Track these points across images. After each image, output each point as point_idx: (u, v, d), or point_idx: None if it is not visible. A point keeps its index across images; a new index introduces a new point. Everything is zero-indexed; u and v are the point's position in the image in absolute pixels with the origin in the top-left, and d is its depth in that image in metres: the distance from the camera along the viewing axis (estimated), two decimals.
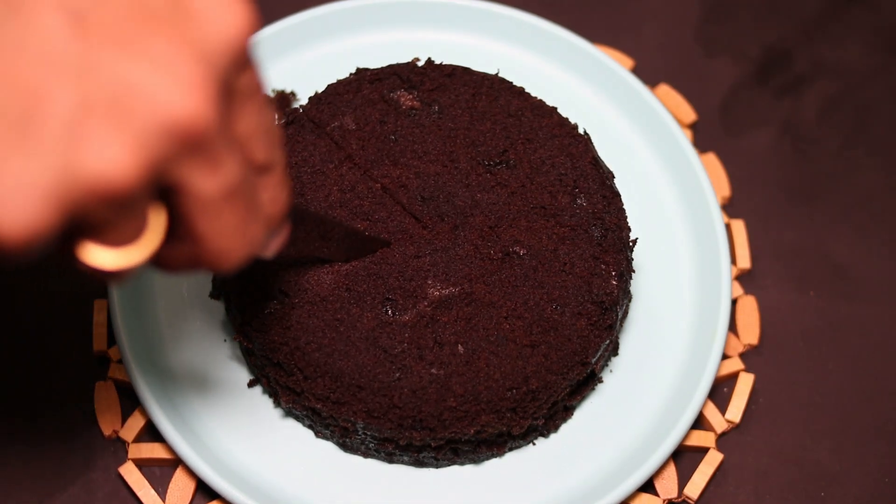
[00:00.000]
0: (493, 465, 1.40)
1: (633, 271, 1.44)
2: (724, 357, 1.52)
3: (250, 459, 1.38)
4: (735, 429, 1.48)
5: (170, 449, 1.39)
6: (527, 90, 1.51)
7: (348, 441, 1.37)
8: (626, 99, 1.64)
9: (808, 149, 1.72)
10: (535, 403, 1.32)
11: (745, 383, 1.50)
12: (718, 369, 1.48)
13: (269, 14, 1.72)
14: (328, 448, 1.40)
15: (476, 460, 1.39)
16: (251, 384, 1.43)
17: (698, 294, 1.50)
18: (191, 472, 1.39)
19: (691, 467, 1.44)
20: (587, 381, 1.41)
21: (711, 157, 1.68)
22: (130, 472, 1.40)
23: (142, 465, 1.41)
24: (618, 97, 1.65)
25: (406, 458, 1.37)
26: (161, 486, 1.40)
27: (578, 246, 1.38)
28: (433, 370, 1.30)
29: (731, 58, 1.81)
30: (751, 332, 1.54)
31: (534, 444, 1.41)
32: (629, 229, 1.42)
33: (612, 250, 1.38)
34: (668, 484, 1.42)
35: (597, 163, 1.44)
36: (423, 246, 1.37)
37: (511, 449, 1.40)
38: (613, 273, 1.37)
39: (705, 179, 1.55)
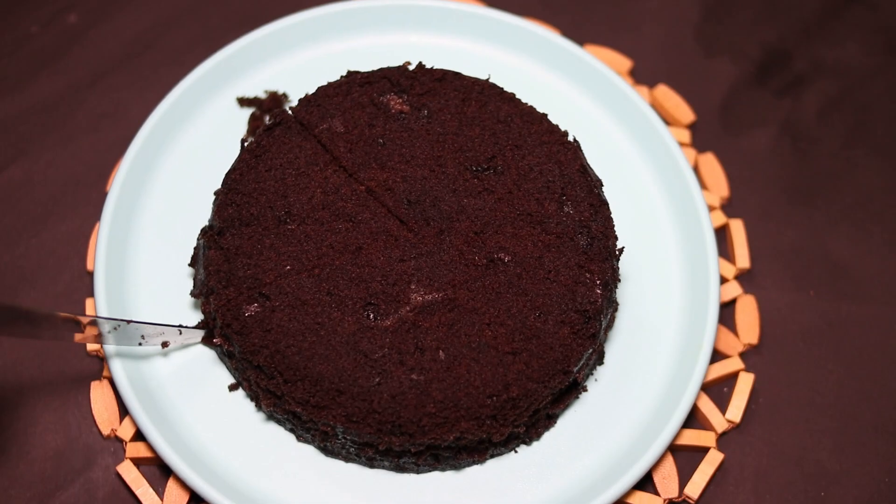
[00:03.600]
0: (473, 471, 1.36)
1: (619, 280, 1.40)
2: (724, 357, 1.49)
3: (232, 463, 1.35)
4: (735, 428, 1.45)
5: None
6: (518, 96, 1.47)
7: (329, 445, 1.33)
8: (618, 106, 1.60)
9: (808, 149, 1.68)
10: (515, 411, 1.29)
11: (745, 383, 1.47)
12: (718, 369, 1.46)
13: (262, 16, 1.71)
14: (310, 452, 1.36)
15: (457, 466, 1.35)
16: (232, 388, 1.40)
17: (686, 304, 1.47)
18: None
19: (692, 467, 1.41)
20: (570, 390, 1.37)
21: (710, 158, 1.64)
22: (128, 471, 1.37)
23: (140, 463, 1.38)
24: (611, 104, 1.61)
25: (386, 464, 1.34)
26: (160, 486, 1.37)
27: (564, 254, 1.34)
28: (413, 376, 1.27)
29: (731, 58, 1.76)
30: (751, 331, 1.50)
31: (516, 451, 1.37)
32: (616, 238, 1.38)
33: (598, 259, 1.34)
34: (668, 483, 1.39)
35: (585, 171, 1.40)
36: (407, 250, 1.34)
37: (492, 456, 1.36)
38: (598, 282, 1.33)
39: (696, 189, 1.51)
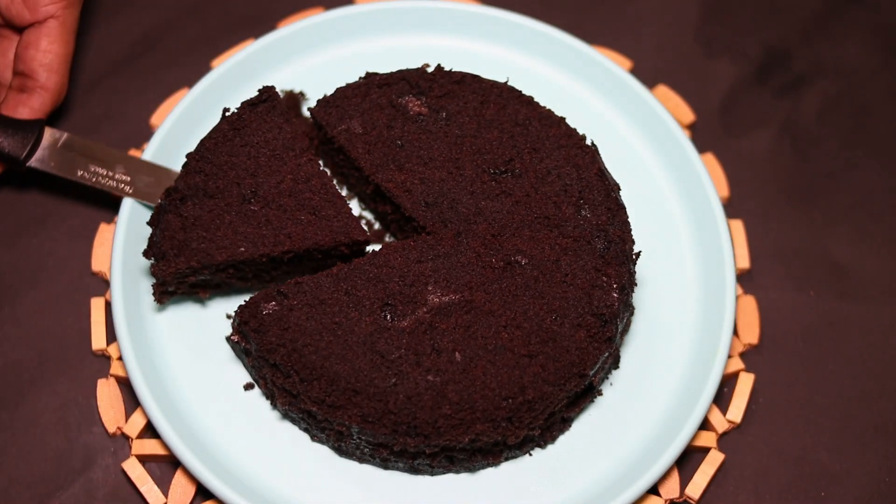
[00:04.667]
0: (488, 473, 1.37)
1: (636, 284, 1.40)
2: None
3: (246, 461, 1.36)
4: (736, 429, 1.46)
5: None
6: (536, 99, 1.48)
7: (343, 445, 1.34)
8: (637, 112, 1.61)
9: (807, 149, 1.69)
10: (530, 414, 1.30)
11: (746, 383, 1.48)
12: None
13: (262, 17, 1.72)
14: (324, 452, 1.37)
15: (471, 469, 1.36)
16: (248, 387, 1.40)
17: (702, 310, 1.47)
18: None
19: (693, 467, 1.42)
20: (585, 394, 1.38)
21: (710, 158, 1.64)
22: (134, 468, 1.38)
23: (145, 460, 1.39)
24: (630, 110, 1.61)
25: (401, 465, 1.35)
26: (164, 484, 1.38)
27: (581, 257, 1.35)
28: (429, 377, 1.27)
29: (731, 58, 1.77)
30: (751, 331, 1.51)
31: (530, 454, 1.38)
32: (633, 242, 1.39)
33: (615, 263, 1.35)
34: (670, 484, 1.39)
35: (603, 174, 1.41)
36: (425, 251, 1.34)
37: (507, 458, 1.37)
38: (615, 286, 1.34)
39: (714, 196, 1.52)
